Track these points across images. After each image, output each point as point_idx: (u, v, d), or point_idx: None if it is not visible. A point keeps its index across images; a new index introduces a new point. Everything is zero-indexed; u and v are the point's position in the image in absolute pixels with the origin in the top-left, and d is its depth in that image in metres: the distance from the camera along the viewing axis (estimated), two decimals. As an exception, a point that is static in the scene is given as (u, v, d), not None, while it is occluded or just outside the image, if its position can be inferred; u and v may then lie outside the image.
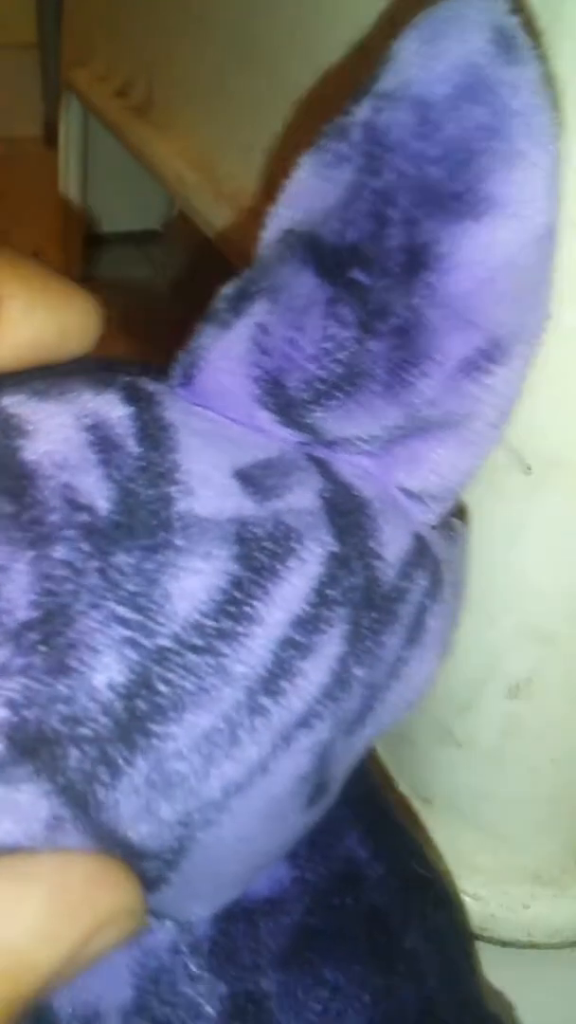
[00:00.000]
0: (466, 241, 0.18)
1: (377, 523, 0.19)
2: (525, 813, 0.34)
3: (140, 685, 0.16)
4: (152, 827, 0.16)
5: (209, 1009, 0.21)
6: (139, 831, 0.16)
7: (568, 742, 0.32)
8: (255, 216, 0.23)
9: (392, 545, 0.19)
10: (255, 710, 0.17)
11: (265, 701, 0.17)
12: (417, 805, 0.36)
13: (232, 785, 0.17)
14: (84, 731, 0.15)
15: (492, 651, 0.31)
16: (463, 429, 0.20)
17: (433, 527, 0.21)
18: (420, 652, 0.20)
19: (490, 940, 0.35)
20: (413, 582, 0.19)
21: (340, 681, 0.18)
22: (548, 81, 0.18)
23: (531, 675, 0.31)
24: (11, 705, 0.15)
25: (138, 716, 0.16)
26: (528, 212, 0.18)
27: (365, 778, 0.25)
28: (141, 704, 0.16)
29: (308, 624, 0.17)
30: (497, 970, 0.35)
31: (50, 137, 0.92)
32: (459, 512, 0.23)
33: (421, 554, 0.20)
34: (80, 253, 0.78)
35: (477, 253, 0.18)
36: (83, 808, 0.16)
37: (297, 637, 0.17)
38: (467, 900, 0.35)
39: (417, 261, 0.18)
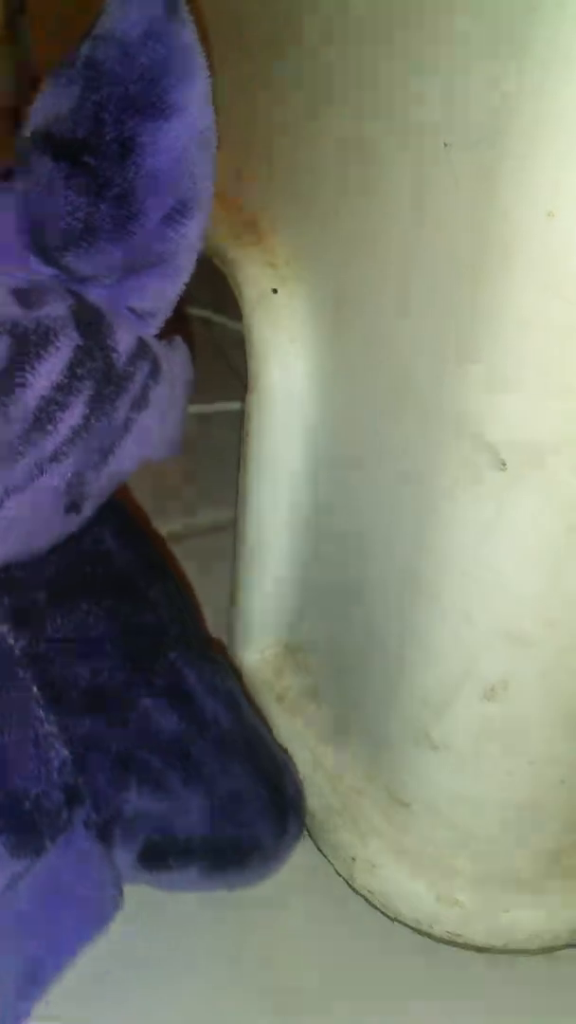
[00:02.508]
0: (160, 134, 0.27)
1: (112, 327, 0.29)
2: (503, 816, 0.33)
3: None
4: None
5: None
6: None
7: (545, 745, 0.31)
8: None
9: (122, 343, 0.29)
10: (29, 441, 0.27)
11: (35, 436, 0.27)
12: (395, 809, 0.35)
13: (12, 487, 0.28)
14: None
15: (468, 652, 0.31)
16: (167, 266, 0.29)
17: (156, 336, 0.31)
18: (144, 416, 0.30)
19: (466, 946, 0.34)
20: (137, 368, 0.29)
21: (85, 428, 0.28)
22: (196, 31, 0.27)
23: (507, 677, 0.30)
24: None
25: None
26: (196, 115, 0.27)
27: (123, 510, 0.37)
28: None
29: (63, 389, 0.27)
30: (473, 976, 0.34)
31: None
32: (181, 332, 0.33)
33: (144, 350, 0.30)
34: None
35: (167, 142, 0.27)
36: None
37: (57, 397, 0.27)
38: (442, 906, 0.34)
39: (127, 148, 0.27)
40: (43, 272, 0.29)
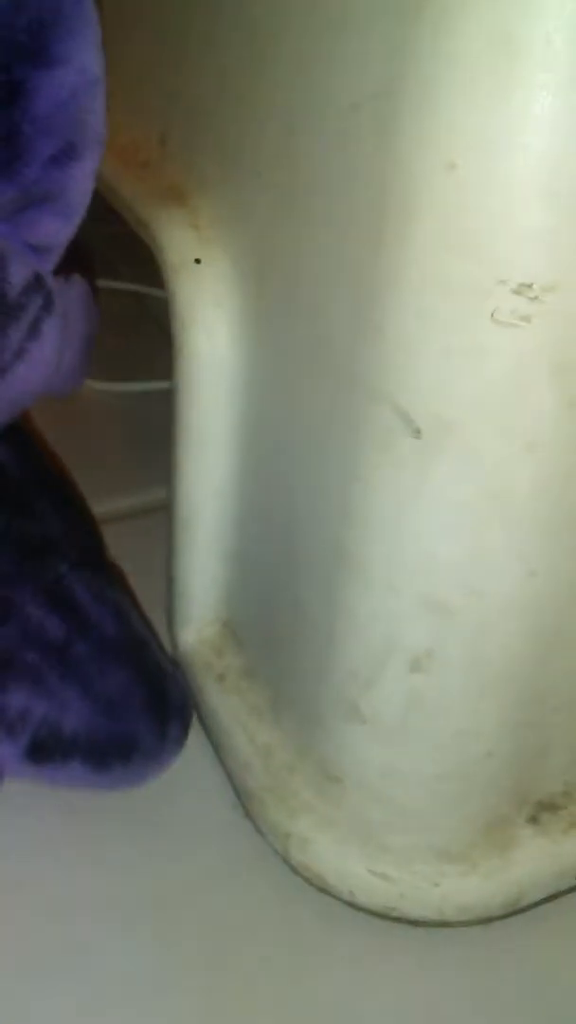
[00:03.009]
0: (46, 81, 0.28)
1: (5, 260, 0.31)
2: (431, 789, 0.33)
3: None
4: None
5: None
6: None
7: (471, 716, 0.31)
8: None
9: (16, 275, 0.31)
10: None
11: None
12: (327, 784, 0.35)
13: None
14: None
15: (393, 623, 0.30)
16: (59, 203, 0.31)
17: (52, 272, 0.33)
18: (36, 346, 0.32)
19: (400, 919, 0.34)
20: (31, 299, 0.31)
21: None
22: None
23: (432, 647, 0.30)
24: None
25: None
26: (85, 63, 0.28)
27: (20, 429, 0.40)
28: None
29: None
30: (408, 950, 0.34)
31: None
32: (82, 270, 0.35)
33: (38, 283, 0.32)
34: None
35: (54, 89, 0.28)
36: None
37: None
38: (375, 879, 0.34)
39: (15, 93, 0.28)
40: None
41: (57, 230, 0.32)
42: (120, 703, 0.36)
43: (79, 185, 0.31)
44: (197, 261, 0.34)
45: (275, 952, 0.34)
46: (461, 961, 0.34)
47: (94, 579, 0.38)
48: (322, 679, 0.34)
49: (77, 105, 0.29)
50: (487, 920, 0.34)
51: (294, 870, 0.35)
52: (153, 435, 0.49)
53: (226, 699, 0.40)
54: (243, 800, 0.38)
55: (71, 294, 0.34)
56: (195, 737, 0.41)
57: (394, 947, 0.34)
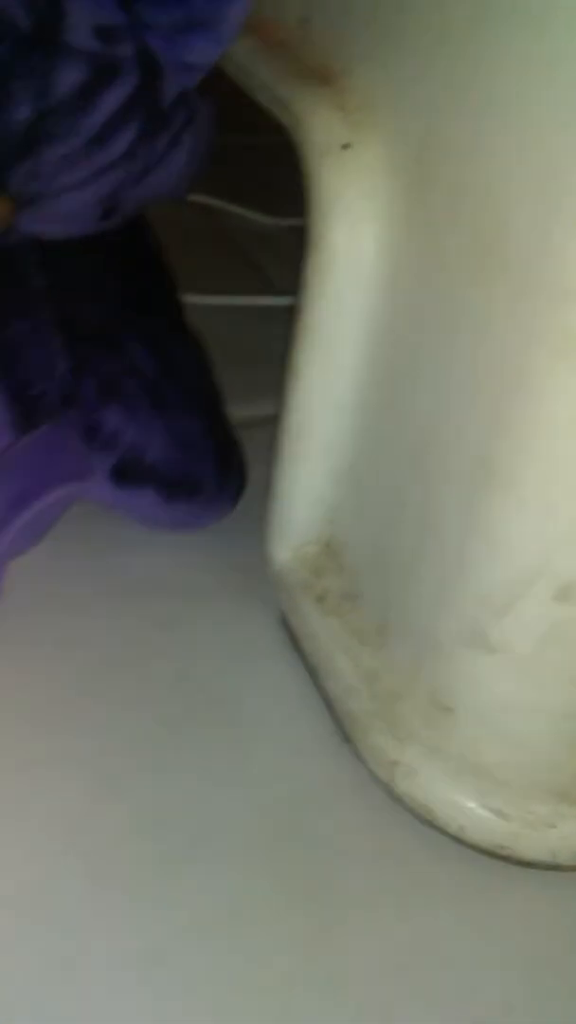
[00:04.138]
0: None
1: (163, 74, 0.36)
2: (557, 727, 0.31)
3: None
4: None
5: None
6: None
7: (619, 652, 0.29)
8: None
9: (170, 89, 0.36)
10: (89, 153, 0.34)
11: (94, 149, 0.34)
12: (436, 715, 0.33)
13: (68, 186, 0.35)
14: None
15: (544, 548, 0.28)
16: (215, 30, 0.36)
17: (196, 89, 0.37)
18: (176, 152, 0.37)
19: (510, 859, 0.32)
20: (178, 113, 0.37)
21: (131, 152, 0.35)
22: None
23: (586, 576, 0.27)
24: None
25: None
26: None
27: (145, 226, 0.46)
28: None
29: (122, 116, 0.34)
30: (515, 892, 0.32)
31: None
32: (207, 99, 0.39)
33: (186, 99, 0.37)
34: None
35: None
36: None
37: (116, 122, 0.34)
38: (490, 816, 0.32)
39: None
40: (118, 16, 0.34)
41: (208, 53, 0.36)
42: (194, 448, 0.42)
43: (235, 16, 0.35)
44: (345, 146, 0.32)
45: (379, 882, 0.32)
46: (570, 908, 0.32)
47: (187, 339, 0.45)
48: (445, 604, 0.32)
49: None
50: (600, 867, 0.33)
51: (397, 799, 0.34)
52: (226, 352, 0.47)
53: (327, 621, 0.38)
54: (344, 725, 0.36)
55: (204, 112, 0.38)
56: (289, 658, 0.40)
57: (501, 887, 0.32)
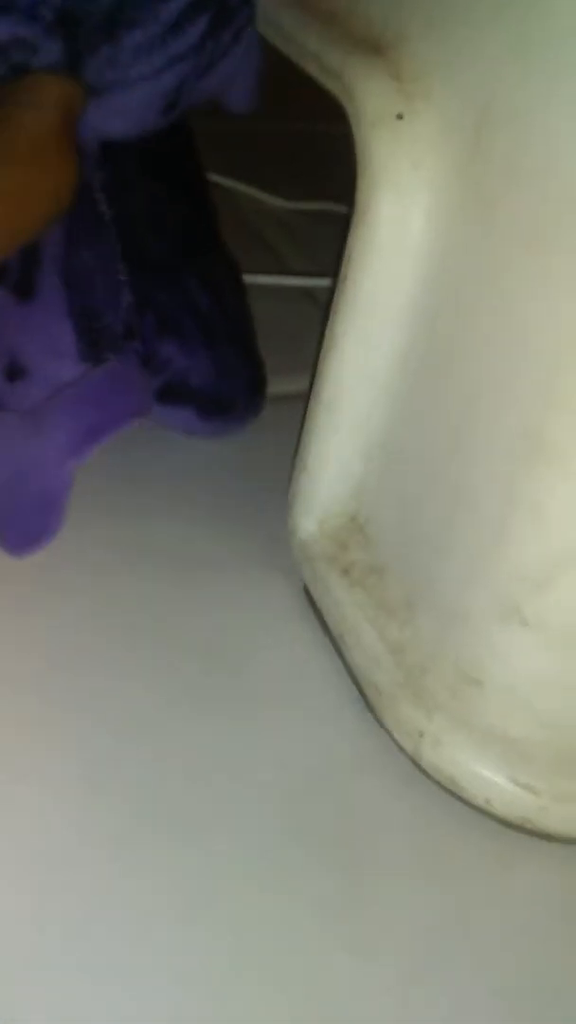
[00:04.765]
0: None
1: None
2: (589, 703, 0.31)
3: None
4: None
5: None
6: None
7: None
8: None
9: None
10: (165, 40, 0.37)
11: (170, 37, 0.37)
12: (463, 688, 0.33)
13: (144, 75, 0.39)
14: None
15: (588, 520, 0.28)
16: None
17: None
18: (237, 48, 0.41)
19: (538, 834, 0.32)
20: (241, 10, 0.40)
21: (201, 43, 0.39)
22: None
23: (631, 549, 0.28)
24: None
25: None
26: None
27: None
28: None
29: (196, 7, 0.37)
30: (541, 864, 0.33)
31: None
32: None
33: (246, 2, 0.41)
34: None
35: None
36: None
37: (190, 12, 0.37)
38: (517, 790, 0.32)
39: None
40: None
41: None
42: (233, 374, 0.47)
43: None
44: (399, 116, 0.32)
45: (403, 854, 0.32)
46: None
47: (236, 279, 0.49)
48: (478, 578, 0.32)
49: None
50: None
51: (422, 770, 0.34)
52: (261, 328, 0.48)
53: (352, 593, 0.38)
54: (368, 694, 0.36)
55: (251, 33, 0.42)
56: (312, 629, 0.40)
57: (526, 861, 0.32)
